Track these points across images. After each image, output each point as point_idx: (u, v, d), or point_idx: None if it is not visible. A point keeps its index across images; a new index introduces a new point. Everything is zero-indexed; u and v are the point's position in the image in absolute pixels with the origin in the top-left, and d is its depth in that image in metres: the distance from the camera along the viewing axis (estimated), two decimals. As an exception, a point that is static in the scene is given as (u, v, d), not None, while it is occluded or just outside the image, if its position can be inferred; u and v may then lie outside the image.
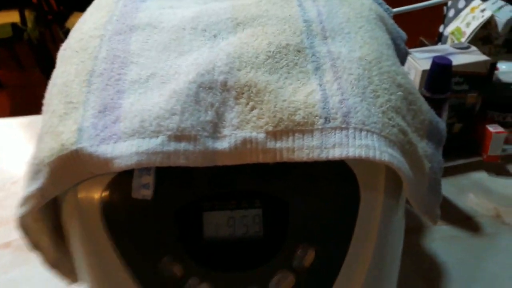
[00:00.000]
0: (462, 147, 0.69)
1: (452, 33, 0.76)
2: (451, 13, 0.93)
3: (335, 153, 0.28)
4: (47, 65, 2.54)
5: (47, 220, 0.34)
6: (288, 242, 0.29)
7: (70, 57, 0.36)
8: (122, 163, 0.28)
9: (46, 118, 0.33)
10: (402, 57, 0.46)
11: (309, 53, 0.33)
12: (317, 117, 0.29)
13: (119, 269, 0.30)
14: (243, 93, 0.30)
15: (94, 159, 0.28)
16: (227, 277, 0.30)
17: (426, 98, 0.55)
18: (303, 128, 0.28)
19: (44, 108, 0.35)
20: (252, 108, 0.29)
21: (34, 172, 0.30)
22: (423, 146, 0.33)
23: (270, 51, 0.32)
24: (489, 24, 0.70)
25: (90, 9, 0.43)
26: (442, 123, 0.37)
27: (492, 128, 0.65)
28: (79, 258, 0.32)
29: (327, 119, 0.28)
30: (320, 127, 0.28)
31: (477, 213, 0.61)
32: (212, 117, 0.29)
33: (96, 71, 0.33)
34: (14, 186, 0.73)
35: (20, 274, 0.57)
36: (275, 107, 0.29)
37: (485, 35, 0.71)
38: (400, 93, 0.32)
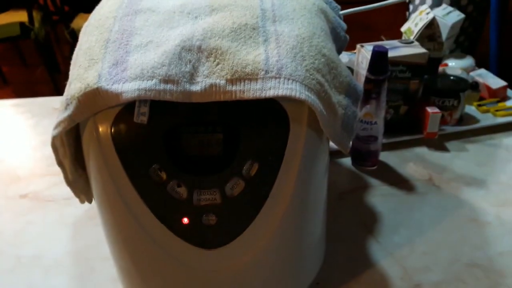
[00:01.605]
0: (408, 126, 0.83)
1: (405, 32, 0.89)
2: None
3: (271, 93, 0.41)
4: (51, 64, 2.67)
5: (69, 147, 0.47)
6: (239, 157, 0.43)
7: (91, 31, 0.49)
8: (127, 96, 0.41)
9: (74, 70, 0.46)
10: (341, 43, 0.59)
11: (261, 31, 0.46)
12: (260, 70, 0.42)
13: (122, 176, 0.43)
14: (211, 54, 0.43)
15: (109, 93, 0.41)
16: (197, 180, 0.43)
17: (368, 80, 0.69)
18: (251, 77, 0.42)
19: (71, 66, 0.48)
20: (217, 64, 0.43)
21: (66, 104, 0.43)
22: (340, 98, 0.46)
23: (233, 28, 0.46)
24: (432, 25, 0.84)
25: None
26: (359, 86, 0.50)
27: (430, 109, 0.78)
28: (93, 172, 0.45)
29: (267, 71, 0.42)
30: (262, 76, 0.42)
31: (413, 177, 0.75)
32: (189, 69, 0.43)
33: (111, 39, 0.46)
34: (32, 151, 0.87)
35: (34, 217, 0.70)
36: (233, 63, 0.43)
37: (430, 34, 0.85)
38: (323, 60, 0.45)
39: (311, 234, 0.50)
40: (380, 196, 0.71)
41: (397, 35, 1.03)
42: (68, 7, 2.40)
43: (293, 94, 0.41)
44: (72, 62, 0.48)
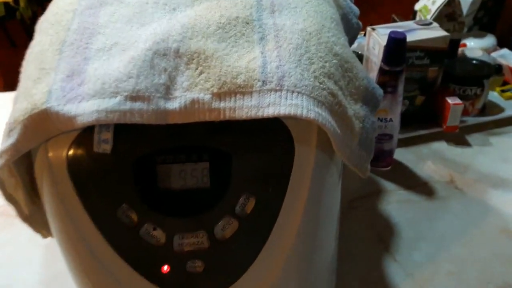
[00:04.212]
0: (425, 119, 0.73)
1: (420, 10, 0.79)
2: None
3: (269, 111, 0.32)
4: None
5: (22, 176, 0.38)
6: (232, 191, 0.34)
7: (46, 29, 0.40)
8: (84, 120, 0.32)
9: (22, 82, 0.37)
10: (353, 31, 0.49)
11: (256, 25, 0.37)
12: (256, 80, 0.32)
13: (83, 217, 0.34)
14: (193, 59, 0.34)
15: (61, 117, 0.32)
16: (178, 223, 0.34)
17: (384, 71, 0.59)
18: (244, 90, 0.32)
19: (21, 74, 0.38)
20: (200, 73, 0.33)
21: (10, 129, 0.34)
22: (356, 109, 0.37)
23: (221, 23, 0.36)
24: (453, 2, 0.74)
25: None
26: (378, 90, 0.41)
27: (451, 100, 0.69)
28: (49, 210, 0.37)
29: (264, 82, 0.32)
30: (258, 89, 0.32)
31: (432, 179, 0.66)
32: (165, 80, 0.33)
33: (68, 41, 0.37)
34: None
35: (4, 237, 0.61)
36: (220, 71, 0.33)
37: (449, 13, 0.74)
38: (335, 61, 0.36)
39: (320, 272, 0.41)
40: (396, 203, 0.63)
41: (407, 13, 0.92)
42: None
43: (299, 112, 0.31)
44: (22, 69, 0.39)
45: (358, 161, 0.37)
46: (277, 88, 0.32)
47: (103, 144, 0.32)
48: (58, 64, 0.35)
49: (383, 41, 0.65)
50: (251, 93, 0.32)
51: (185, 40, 0.35)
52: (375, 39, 0.68)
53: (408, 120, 0.72)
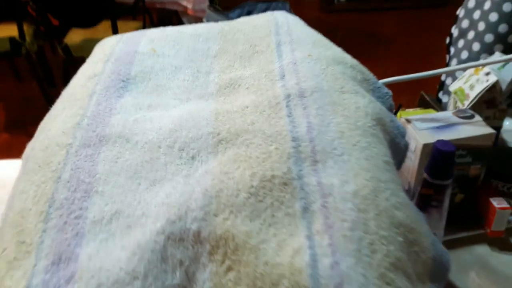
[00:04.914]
0: (465, 218, 0.65)
1: (455, 92, 0.72)
2: (454, 62, 0.90)
3: None
4: (45, 78, 2.50)
5: None
6: None
7: (32, 172, 0.32)
8: None
9: None
10: (402, 154, 0.42)
11: (297, 187, 0.29)
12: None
13: None
14: (218, 248, 0.26)
15: None
16: None
17: (428, 183, 0.52)
18: None
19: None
20: (229, 269, 0.26)
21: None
22: (424, 297, 0.29)
23: (252, 186, 0.29)
24: (493, 88, 0.67)
25: (62, 101, 0.39)
26: (445, 255, 0.33)
27: (496, 203, 0.61)
28: None
29: None
30: None
31: (479, 297, 0.58)
32: (180, 279, 0.26)
33: (56, 200, 0.29)
34: None
35: None
36: (255, 271, 0.25)
37: (489, 99, 0.68)
38: (399, 237, 0.28)
39: None
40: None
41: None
42: (58, 22, 2.22)
43: None
44: (2, 223, 0.31)
45: None
46: None
47: None
48: (42, 238, 0.28)
49: (422, 139, 0.59)
50: None
51: (208, 217, 0.27)
52: (412, 134, 0.60)
53: (447, 220, 0.64)
